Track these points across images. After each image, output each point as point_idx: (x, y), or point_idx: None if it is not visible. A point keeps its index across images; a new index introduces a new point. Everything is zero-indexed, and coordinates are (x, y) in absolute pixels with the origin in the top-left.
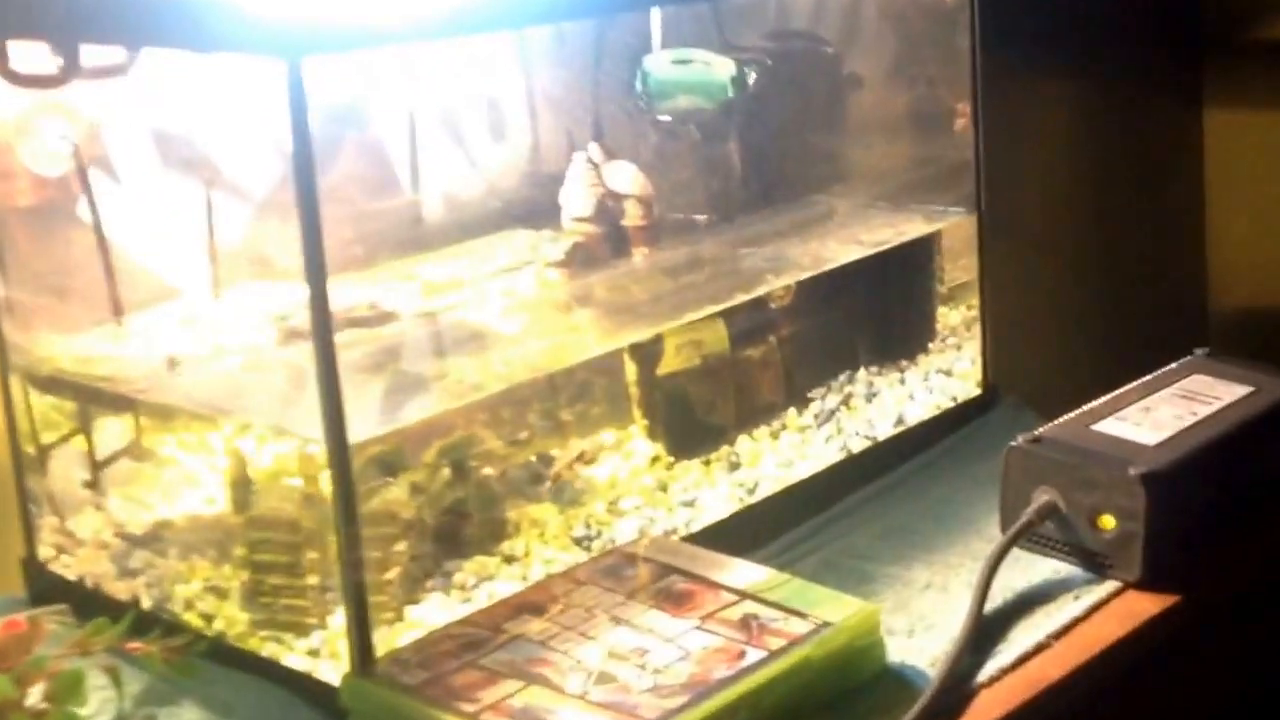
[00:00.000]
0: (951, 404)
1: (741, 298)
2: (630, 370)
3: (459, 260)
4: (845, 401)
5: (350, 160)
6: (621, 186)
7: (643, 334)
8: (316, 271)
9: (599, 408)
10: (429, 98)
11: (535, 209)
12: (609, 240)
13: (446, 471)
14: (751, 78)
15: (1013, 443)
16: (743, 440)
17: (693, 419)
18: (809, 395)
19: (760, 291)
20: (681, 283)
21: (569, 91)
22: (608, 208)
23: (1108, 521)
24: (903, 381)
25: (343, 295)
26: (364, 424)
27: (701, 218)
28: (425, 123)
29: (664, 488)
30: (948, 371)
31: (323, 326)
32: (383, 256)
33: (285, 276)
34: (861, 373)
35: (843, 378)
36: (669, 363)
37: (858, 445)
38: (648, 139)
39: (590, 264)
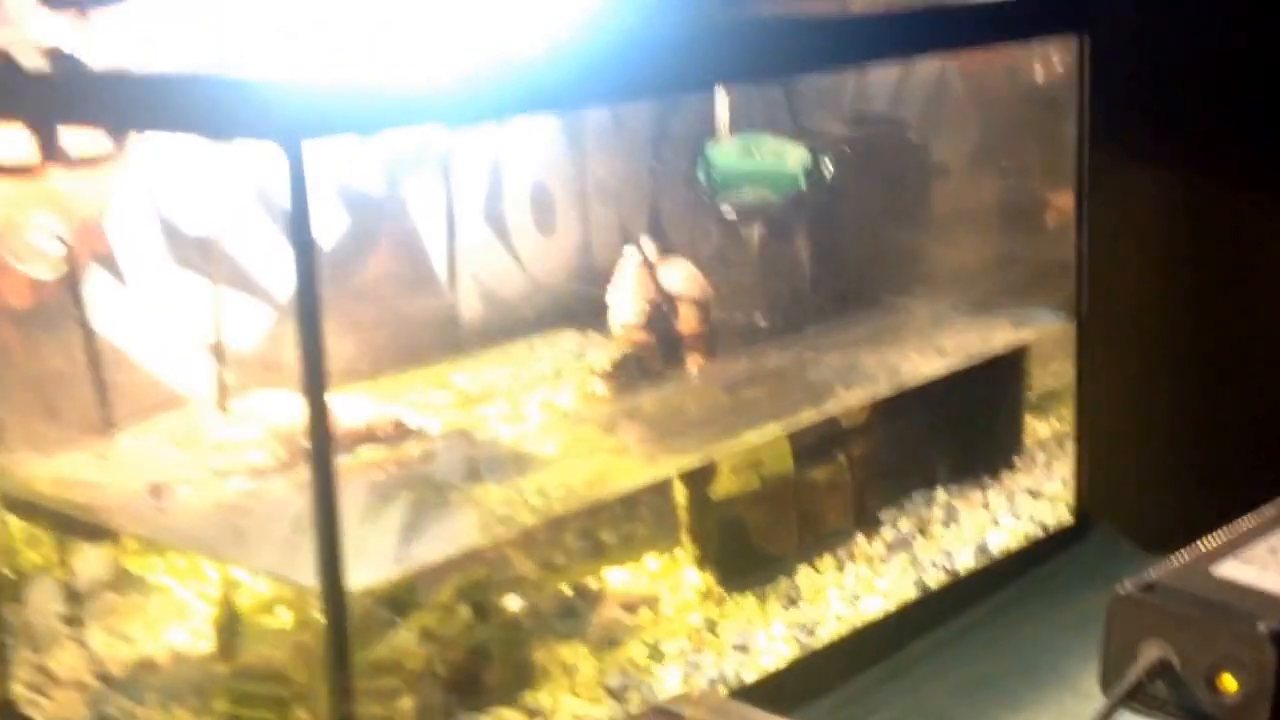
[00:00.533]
0: (1040, 533)
1: (808, 416)
2: (680, 492)
3: (499, 366)
4: (921, 527)
5: (382, 254)
6: (676, 287)
7: (694, 459)
8: (316, 382)
9: (644, 532)
10: (469, 186)
11: (584, 307)
12: (661, 347)
13: (464, 612)
14: (827, 167)
15: (1119, 589)
16: (803, 572)
17: (748, 548)
18: (880, 520)
19: (829, 409)
20: (741, 398)
21: (624, 181)
22: (660, 311)
23: (1229, 683)
24: (985, 505)
25: (362, 408)
26: (368, 567)
27: (766, 323)
28: (466, 213)
29: (713, 627)
30: (1035, 493)
31: (321, 449)
32: (415, 361)
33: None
34: (940, 494)
35: (919, 500)
36: (724, 485)
37: (934, 578)
38: (708, 234)
39: (640, 375)
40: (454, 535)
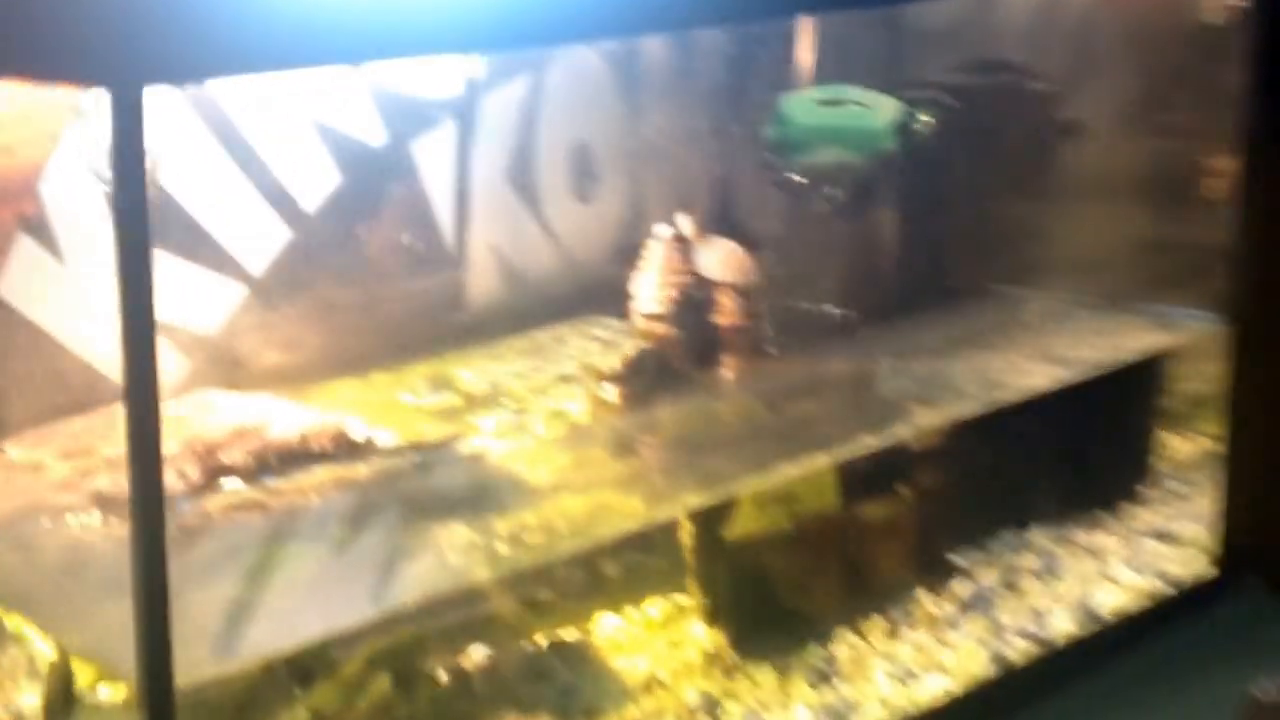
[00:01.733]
0: (1168, 590)
1: (868, 442)
2: (685, 530)
3: (515, 360)
4: (1008, 580)
5: (383, 223)
6: (713, 271)
7: (707, 496)
8: (141, 388)
9: (641, 576)
10: (492, 142)
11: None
12: (690, 344)
13: (382, 683)
14: (924, 124)
15: (1259, 692)
16: (843, 638)
17: (771, 602)
18: (952, 571)
19: (898, 433)
20: (785, 414)
21: (683, 141)
22: (691, 300)
23: None
24: (1096, 552)
25: (295, 415)
26: (217, 652)
27: (837, 317)
28: (486, 173)
29: (714, 708)
30: (1165, 535)
31: (147, 493)
32: (413, 353)
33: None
34: (1036, 536)
35: (1006, 544)
36: (743, 523)
37: (1019, 650)
38: (776, 206)
39: (659, 378)
40: (376, 601)
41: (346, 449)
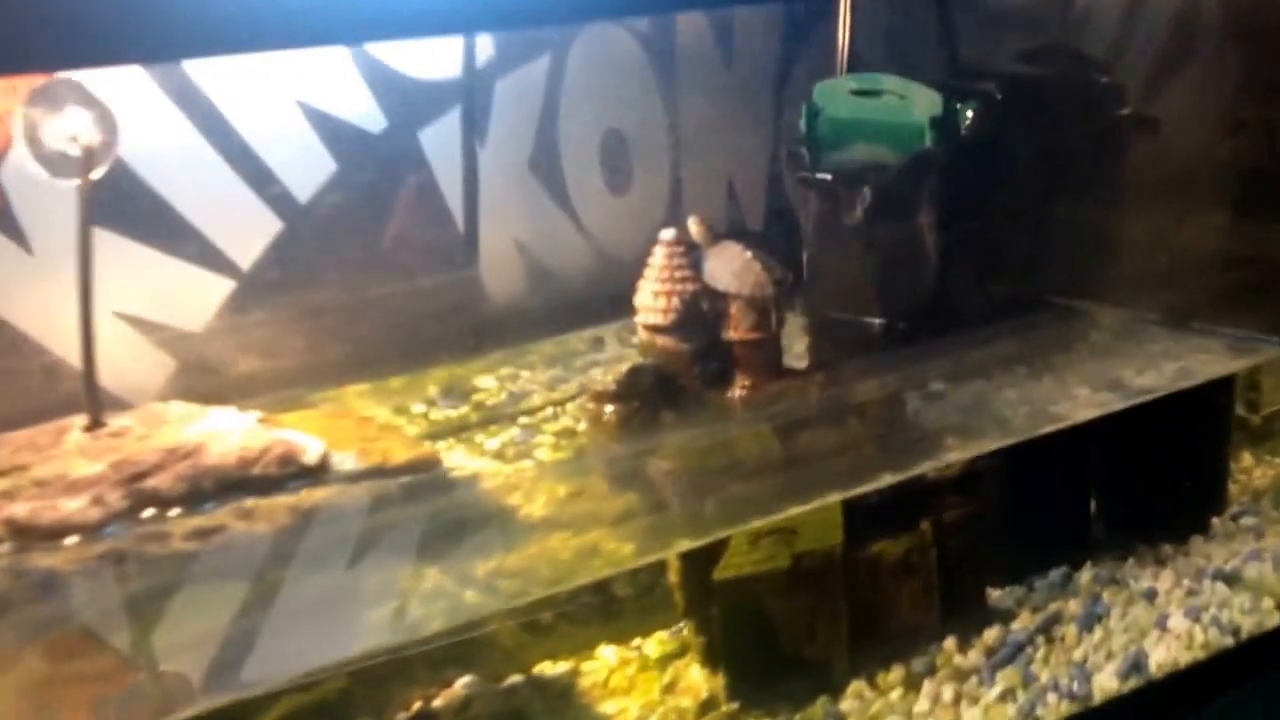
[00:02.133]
0: (1229, 640)
1: (888, 479)
2: (674, 568)
3: (538, 368)
4: (1046, 628)
5: (398, 214)
6: (724, 279)
7: (702, 534)
8: None
9: (635, 611)
10: (513, 128)
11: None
12: (699, 361)
13: None
14: (967, 118)
15: None
16: (856, 690)
17: (772, 649)
18: (983, 617)
19: (926, 467)
20: (797, 443)
21: (728, 129)
22: (697, 311)
23: None
24: (1151, 596)
25: (238, 430)
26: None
27: (874, 332)
28: (508, 162)
29: None
30: (1231, 578)
31: None
32: (420, 360)
33: None
34: (1083, 577)
35: (1046, 587)
36: (736, 561)
37: (1057, 711)
38: (807, 206)
39: (657, 399)
40: (293, 653)
41: (295, 473)
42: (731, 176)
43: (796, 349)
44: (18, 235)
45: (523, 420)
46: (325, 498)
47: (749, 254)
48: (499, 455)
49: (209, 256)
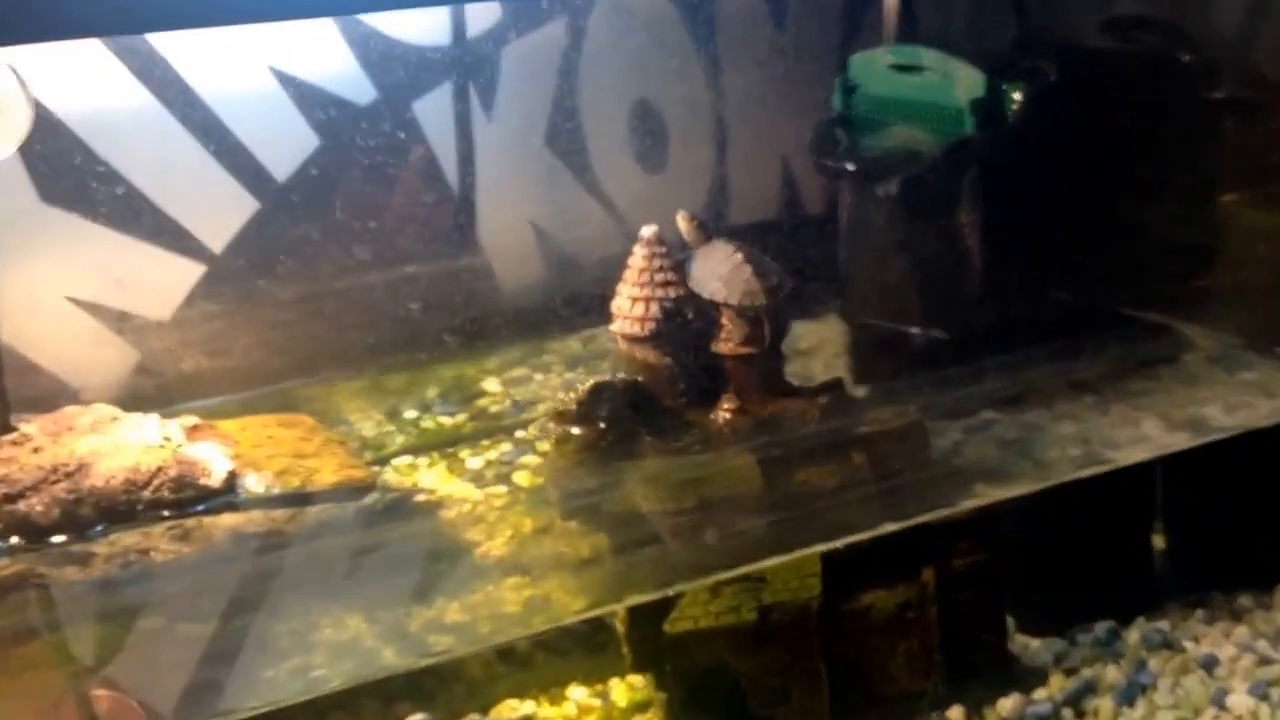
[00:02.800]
0: None
1: (889, 528)
2: (620, 616)
3: (549, 369)
4: (1075, 701)
5: (399, 193)
6: (711, 288)
7: (655, 590)
8: None
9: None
10: (528, 100)
11: None
12: (684, 377)
13: None
14: (1014, 101)
15: None
16: None
17: (738, 713)
18: (1001, 680)
19: (935, 515)
20: (785, 482)
21: (758, 104)
22: (683, 323)
23: None
24: (1209, 666)
25: (141, 439)
26: None
27: (915, 333)
28: (521, 137)
29: None
30: None
31: None
32: (425, 354)
33: None
34: (1132, 636)
35: (1089, 642)
36: (690, 612)
37: None
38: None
39: (636, 418)
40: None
41: (193, 498)
42: (787, 156)
43: (828, 363)
44: None
45: (520, 434)
46: (235, 526)
47: (739, 256)
48: (477, 477)
49: (176, 239)
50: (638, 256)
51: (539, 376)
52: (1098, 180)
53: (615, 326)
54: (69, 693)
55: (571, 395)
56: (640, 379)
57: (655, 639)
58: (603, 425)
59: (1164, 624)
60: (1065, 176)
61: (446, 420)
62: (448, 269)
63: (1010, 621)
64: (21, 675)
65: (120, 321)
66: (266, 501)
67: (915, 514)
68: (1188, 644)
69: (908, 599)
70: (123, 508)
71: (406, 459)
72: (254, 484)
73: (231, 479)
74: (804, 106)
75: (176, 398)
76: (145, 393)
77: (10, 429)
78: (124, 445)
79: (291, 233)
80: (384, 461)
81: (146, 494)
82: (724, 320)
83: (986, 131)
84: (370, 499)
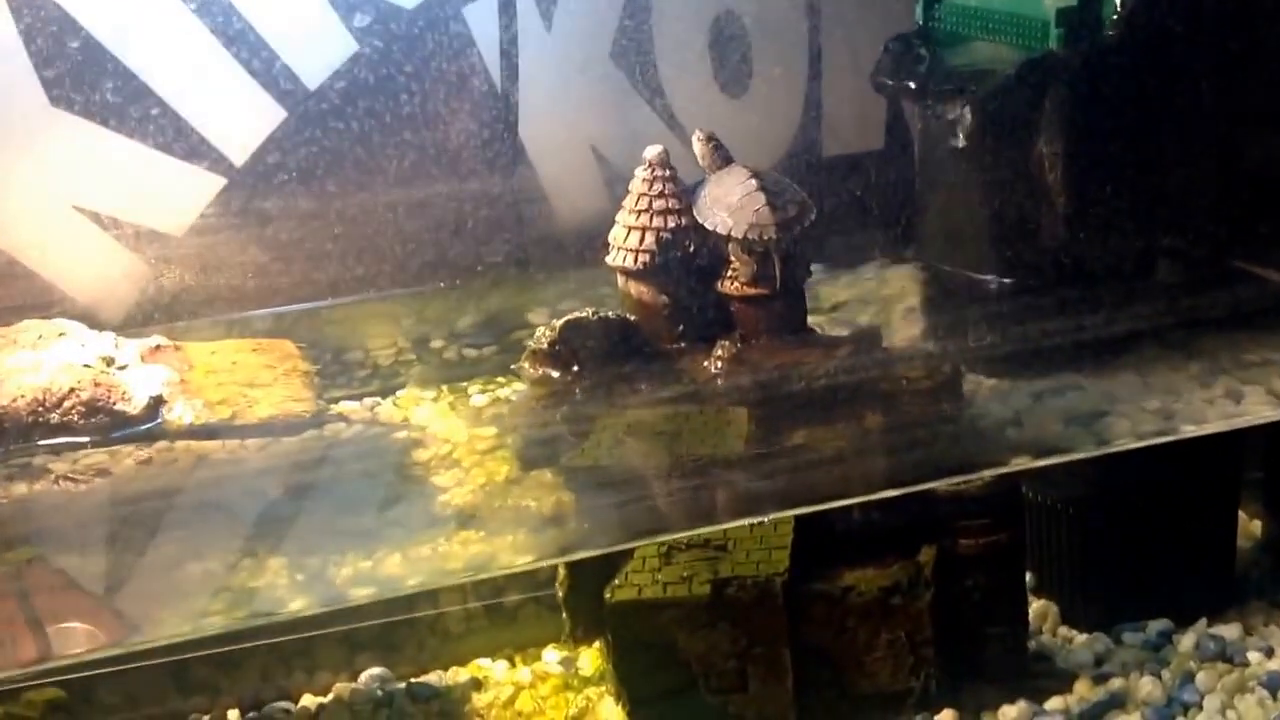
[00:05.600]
0: None
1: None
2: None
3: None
4: (1097, 711)
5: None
6: (716, 219)
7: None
8: None
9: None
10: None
11: None
12: (681, 317)
13: None
14: (1115, 9)
15: None
16: None
17: (685, 695)
18: (1011, 684)
19: (952, 482)
20: (775, 435)
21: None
22: (684, 257)
23: None
24: (1275, 687)
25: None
26: None
27: (988, 279)
28: (579, 46)
29: None
30: None
31: None
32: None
33: None
34: (1184, 642)
35: (1137, 644)
36: (635, 579)
37: None
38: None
39: (618, 359)
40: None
41: (107, 424)
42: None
43: (885, 313)
44: None
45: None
46: (177, 453)
47: (753, 184)
48: (475, 416)
49: (194, 148)
50: (637, 180)
51: (589, 311)
52: (1211, 108)
53: (610, 258)
54: None
55: (545, 333)
56: (632, 317)
57: (591, 609)
58: (576, 367)
59: (1229, 630)
60: (1172, 102)
61: (471, 353)
62: (495, 190)
63: (1054, 611)
64: None
65: (129, 234)
66: (188, 432)
67: (916, 482)
68: (1253, 656)
69: (896, 582)
70: (28, 430)
71: (412, 391)
72: (181, 412)
73: (154, 405)
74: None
75: (184, 315)
76: (150, 309)
77: None
78: (46, 363)
79: (321, 145)
80: (388, 393)
81: (55, 416)
82: (731, 256)
83: (1076, 46)
84: (351, 433)
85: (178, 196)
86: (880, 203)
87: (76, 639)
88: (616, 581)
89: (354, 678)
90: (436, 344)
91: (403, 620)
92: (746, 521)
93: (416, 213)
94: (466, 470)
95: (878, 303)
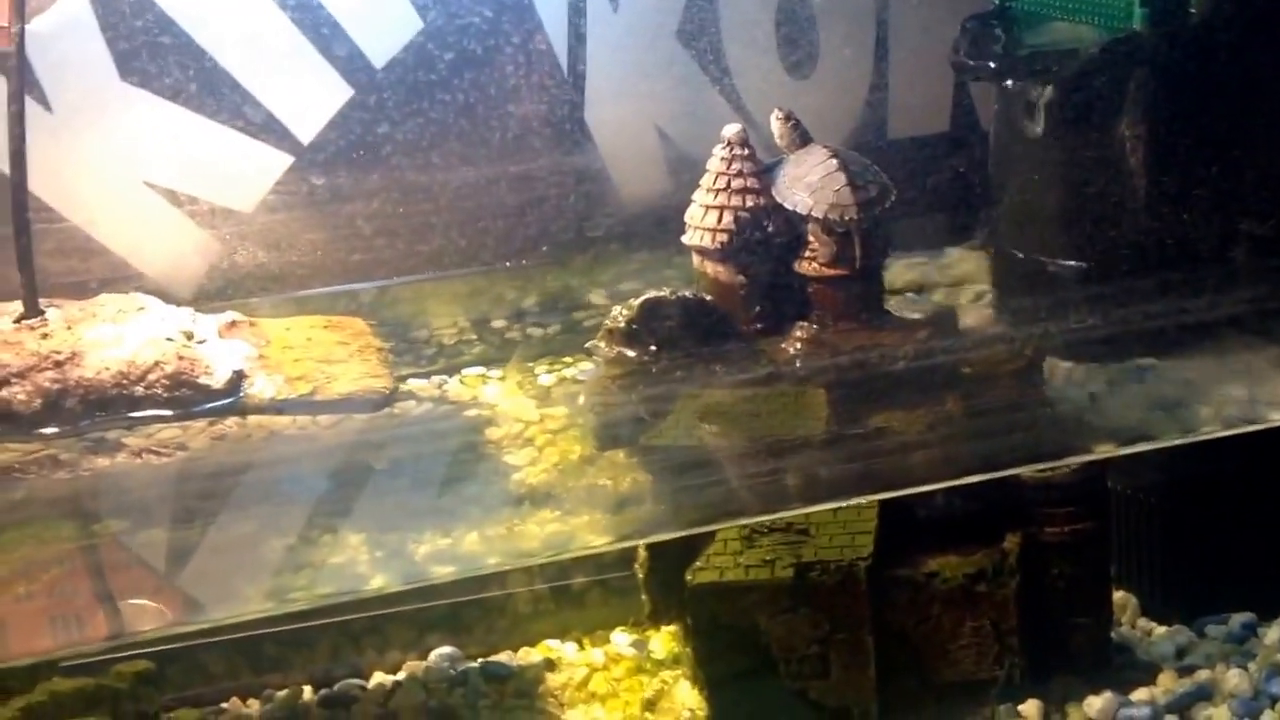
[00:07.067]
0: None
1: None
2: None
3: (630, 293)
4: (1183, 708)
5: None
6: (797, 199)
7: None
8: None
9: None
10: None
11: None
12: (759, 298)
13: None
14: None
15: None
16: None
17: (767, 681)
18: (1095, 676)
19: (1040, 468)
20: (855, 421)
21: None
22: (763, 237)
23: None
24: None
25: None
26: None
27: (1068, 265)
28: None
29: None
30: None
31: None
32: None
33: None
34: (1270, 634)
35: (1221, 635)
36: (717, 561)
37: None
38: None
39: (696, 340)
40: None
41: (191, 397)
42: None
43: (968, 291)
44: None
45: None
46: (253, 428)
47: (834, 164)
48: (543, 395)
49: (262, 125)
50: (715, 159)
51: (652, 293)
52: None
53: (686, 238)
54: None
55: (623, 312)
56: (709, 298)
57: (672, 590)
58: (654, 347)
59: None
60: (1258, 85)
61: (535, 332)
62: (558, 169)
63: (1133, 603)
64: None
65: (199, 210)
66: (269, 406)
67: (1003, 468)
68: None
69: (982, 569)
70: (112, 403)
71: (478, 370)
72: (261, 387)
73: (236, 380)
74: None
75: (252, 291)
76: (217, 284)
77: (39, 312)
78: (129, 337)
79: (387, 123)
80: (454, 372)
81: (139, 389)
82: (810, 236)
83: (1162, 26)
84: (421, 411)
85: (247, 173)
86: (947, 186)
87: (156, 615)
88: (698, 564)
89: (424, 656)
90: (499, 323)
91: (471, 600)
92: (832, 506)
93: (480, 192)
94: (540, 449)
95: (947, 285)
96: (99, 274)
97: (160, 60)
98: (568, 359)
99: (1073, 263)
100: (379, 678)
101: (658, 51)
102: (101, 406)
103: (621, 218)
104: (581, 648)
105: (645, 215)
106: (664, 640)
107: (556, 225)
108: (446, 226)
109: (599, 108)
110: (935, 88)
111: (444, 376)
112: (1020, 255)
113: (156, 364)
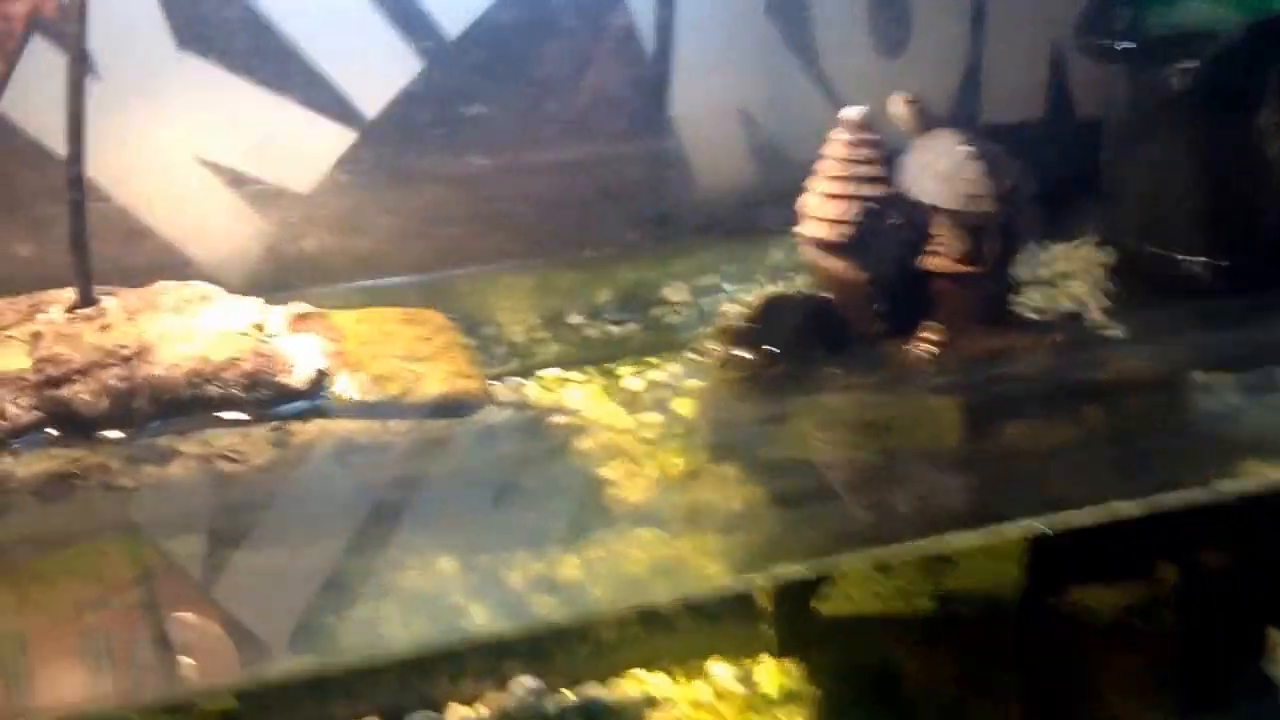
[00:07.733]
0: None
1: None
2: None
3: (748, 278)
4: None
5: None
6: (926, 188)
7: (800, 561)
8: None
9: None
10: None
11: None
12: (881, 296)
13: None
14: None
15: None
16: None
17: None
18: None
19: (1202, 495)
20: (988, 436)
21: None
22: (887, 229)
23: None
24: None
25: (238, 341)
26: None
27: (1197, 262)
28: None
29: None
30: None
31: None
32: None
33: None
34: None
35: None
36: (850, 591)
37: None
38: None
39: (817, 342)
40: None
41: (270, 398)
42: (1059, 41)
43: (1078, 295)
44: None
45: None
46: (318, 433)
47: (966, 151)
48: (631, 400)
49: (325, 100)
50: (836, 144)
51: (730, 287)
52: None
53: (802, 229)
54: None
55: (740, 311)
56: (829, 296)
57: (807, 620)
58: (774, 350)
59: None
60: None
61: (614, 330)
62: (635, 154)
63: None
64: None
65: (254, 189)
66: (355, 409)
67: (1158, 493)
68: None
69: (1135, 601)
70: (186, 404)
71: (555, 372)
72: (345, 388)
73: (319, 380)
74: None
75: (308, 280)
76: (272, 271)
77: (93, 301)
78: (199, 330)
79: (458, 100)
80: (529, 373)
81: (214, 389)
82: (938, 230)
83: None
84: (502, 417)
85: (306, 150)
86: (1049, 175)
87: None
88: (826, 591)
89: (501, 685)
90: (574, 320)
91: (549, 624)
92: (982, 533)
93: (549, 176)
94: (635, 462)
95: (1058, 282)
96: (144, 258)
97: (220, 28)
98: (651, 359)
99: (1200, 258)
100: (457, 710)
101: (744, 27)
102: (176, 407)
103: (700, 205)
104: (673, 679)
105: (724, 204)
106: (770, 674)
107: (632, 213)
108: (514, 214)
109: (682, 88)
110: (1030, 70)
111: (518, 379)
112: (1140, 249)
113: (233, 361)
